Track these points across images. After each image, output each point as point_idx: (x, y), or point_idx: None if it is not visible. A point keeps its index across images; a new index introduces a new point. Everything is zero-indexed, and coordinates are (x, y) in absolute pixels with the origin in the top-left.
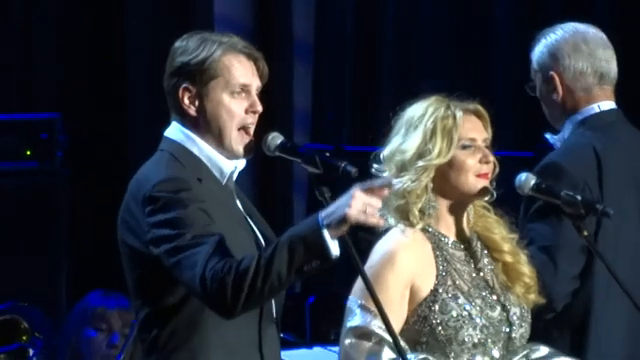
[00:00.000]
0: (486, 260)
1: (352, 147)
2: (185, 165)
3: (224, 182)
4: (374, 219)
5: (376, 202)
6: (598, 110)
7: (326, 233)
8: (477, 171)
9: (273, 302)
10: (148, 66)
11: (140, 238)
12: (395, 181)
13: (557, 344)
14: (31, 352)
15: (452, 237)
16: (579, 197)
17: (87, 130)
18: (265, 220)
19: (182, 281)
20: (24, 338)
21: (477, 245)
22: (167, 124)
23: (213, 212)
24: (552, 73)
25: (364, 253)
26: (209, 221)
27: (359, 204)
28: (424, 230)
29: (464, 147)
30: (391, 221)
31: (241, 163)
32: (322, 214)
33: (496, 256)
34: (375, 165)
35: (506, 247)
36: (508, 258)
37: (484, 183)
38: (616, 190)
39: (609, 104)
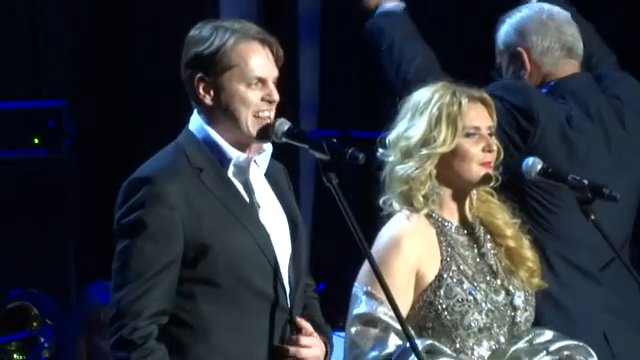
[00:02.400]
0: (489, 245)
1: (359, 133)
2: (190, 155)
3: (229, 172)
4: None
5: None
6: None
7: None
8: (480, 160)
9: (287, 293)
10: (156, 55)
11: None
12: (399, 167)
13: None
14: (42, 339)
15: (455, 222)
16: (586, 181)
17: (95, 118)
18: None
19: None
20: (34, 325)
21: (480, 230)
22: (175, 112)
23: (198, 210)
24: (520, 49)
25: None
26: (159, 247)
27: None
28: (428, 215)
29: (468, 135)
30: (395, 206)
31: (262, 157)
32: None
33: (499, 241)
34: (380, 149)
35: (509, 232)
36: (511, 243)
37: (487, 171)
38: (584, 154)
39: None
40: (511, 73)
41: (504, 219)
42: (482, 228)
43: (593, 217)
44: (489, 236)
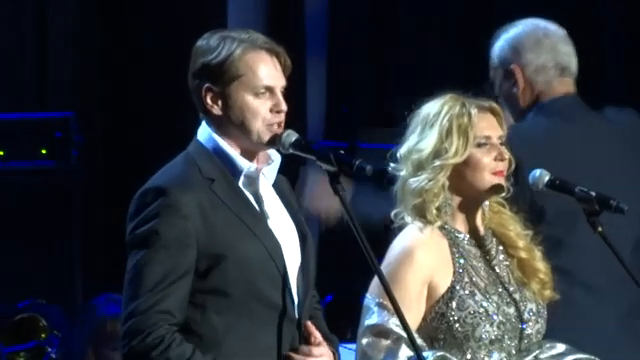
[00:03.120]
0: (501, 257)
1: (366, 144)
2: (201, 166)
3: (240, 182)
4: None
5: None
6: (554, 98)
7: None
8: (493, 169)
9: (295, 303)
10: (163, 65)
11: None
12: (412, 180)
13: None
14: (49, 350)
15: (468, 234)
16: (593, 193)
17: (102, 129)
18: None
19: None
20: (42, 336)
21: (492, 242)
22: (183, 123)
23: (212, 221)
24: (513, 66)
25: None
26: (174, 258)
27: None
28: (440, 227)
29: (479, 145)
30: (407, 219)
31: (270, 168)
32: None
33: (511, 252)
34: (392, 164)
35: (521, 243)
36: (523, 254)
37: (500, 180)
38: (570, 173)
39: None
40: (504, 89)
41: (516, 230)
42: (494, 240)
43: (600, 229)
44: (501, 247)
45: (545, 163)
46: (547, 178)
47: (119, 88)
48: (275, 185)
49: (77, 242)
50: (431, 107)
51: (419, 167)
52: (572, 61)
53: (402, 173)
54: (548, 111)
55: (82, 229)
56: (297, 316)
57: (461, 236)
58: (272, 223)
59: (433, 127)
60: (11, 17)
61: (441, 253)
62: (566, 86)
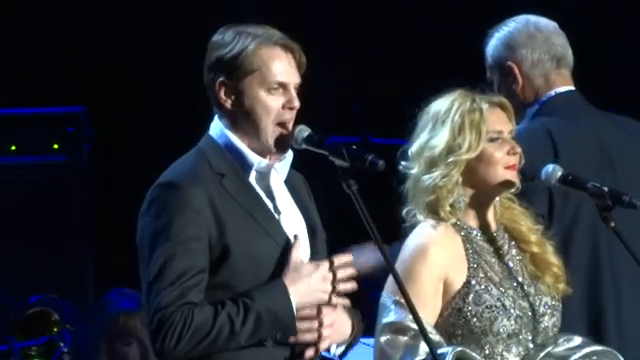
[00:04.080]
0: (514, 252)
1: (379, 139)
2: (211, 160)
3: (250, 178)
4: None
5: (346, 274)
6: (554, 94)
7: (296, 314)
8: (506, 163)
9: None
10: (176, 60)
11: None
12: (426, 177)
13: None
14: (61, 344)
15: (480, 230)
16: (606, 188)
17: (114, 124)
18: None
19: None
20: (55, 330)
21: (504, 237)
22: (195, 118)
23: (221, 215)
24: (510, 63)
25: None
26: (191, 251)
27: (329, 286)
28: (453, 224)
29: (492, 140)
30: (420, 217)
31: (282, 164)
32: (291, 288)
33: (524, 247)
34: (403, 162)
35: (533, 238)
36: (535, 249)
37: (513, 174)
38: (574, 170)
39: (566, 88)
40: (504, 88)
41: (527, 225)
42: (506, 235)
43: (613, 224)
44: (513, 243)
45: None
46: (560, 173)
47: (131, 83)
48: (288, 182)
49: (88, 237)
50: (441, 104)
51: (432, 164)
52: (567, 52)
53: (414, 171)
54: (549, 109)
55: (93, 223)
56: None
57: (474, 232)
58: (283, 218)
59: (445, 124)
60: (26, 10)
61: (455, 249)
62: (564, 79)
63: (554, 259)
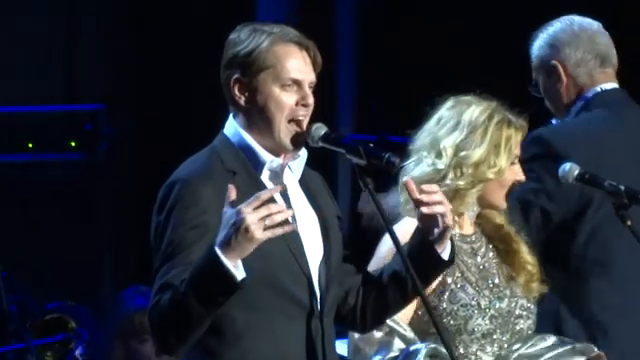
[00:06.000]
0: (491, 254)
1: (396, 137)
2: (224, 158)
3: (263, 176)
4: (280, 230)
5: (264, 208)
6: (600, 90)
7: (225, 259)
8: (510, 189)
9: (317, 297)
10: (194, 59)
11: None
12: (450, 180)
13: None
14: (74, 349)
15: (459, 231)
16: (622, 187)
17: (132, 122)
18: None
19: None
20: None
21: (482, 239)
22: (211, 116)
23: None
24: (554, 62)
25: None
26: (193, 248)
27: (252, 218)
28: None
29: (511, 164)
30: (408, 209)
31: (296, 163)
32: (217, 241)
33: (500, 247)
34: (424, 152)
35: (508, 238)
36: (511, 248)
37: (505, 202)
38: (614, 166)
39: (611, 85)
40: (548, 88)
41: (503, 225)
42: (483, 237)
43: (629, 223)
44: (490, 246)
45: (589, 160)
46: (577, 172)
47: (149, 81)
48: (303, 181)
49: (105, 236)
50: (479, 110)
51: (459, 168)
52: (611, 51)
53: (439, 166)
54: (593, 106)
55: (111, 222)
56: (319, 309)
57: (453, 232)
58: (294, 218)
59: (484, 137)
60: (41, 10)
61: None
62: (608, 77)
63: (529, 257)
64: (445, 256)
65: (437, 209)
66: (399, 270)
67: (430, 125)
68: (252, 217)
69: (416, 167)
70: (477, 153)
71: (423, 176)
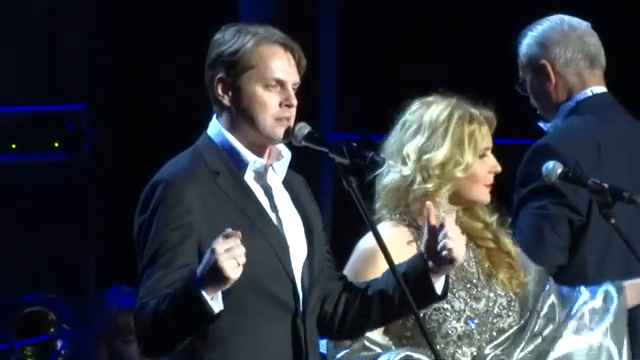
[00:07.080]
0: (471, 253)
1: (379, 137)
2: (207, 159)
3: (246, 176)
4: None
5: (235, 246)
6: (591, 94)
7: (203, 292)
8: (487, 181)
9: (300, 298)
10: (175, 58)
11: None
12: (417, 185)
13: None
14: (59, 344)
15: None
16: (606, 185)
17: (115, 122)
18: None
19: None
20: (52, 330)
21: None
22: (195, 116)
23: (214, 213)
24: (543, 62)
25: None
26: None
27: (224, 257)
28: (409, 225)
29: (480, 157)
30: (384, 214)
31: (280, 164)
32: (197, 272)
33: (480, 243)
34: (390, 161)
35: (489, 234)
36: (491, 244)
37: (488, 194)
38: (611, 172)
39: (601, 88)
40: (536, 87)
41: (484, 220)
42: (464, 235)
43: (613, 221)
44: (472, 244)
45: (586, 164)
46: (560, 170)
47: (131, 81)
48: (287, 182)
49: (89, 236)
50: (437, 111)
51: (425, 171)
52: (599, 52)
53: (404, 172)
54: (586, 108)
55: (94, 222)
56: (302, 310)
57: None
58: (279, 218)
59: (445, 136)
60: (22, 11)
61: (407, 251)
62: (597, 79)
63: (510, 248)
64: (438, 290)
65: (448, 243)
66: (386, 289)
67: (396, 130)
68: (223, 257)
69: (387, 175)
70: (440, 154)
71: (392, 184)
